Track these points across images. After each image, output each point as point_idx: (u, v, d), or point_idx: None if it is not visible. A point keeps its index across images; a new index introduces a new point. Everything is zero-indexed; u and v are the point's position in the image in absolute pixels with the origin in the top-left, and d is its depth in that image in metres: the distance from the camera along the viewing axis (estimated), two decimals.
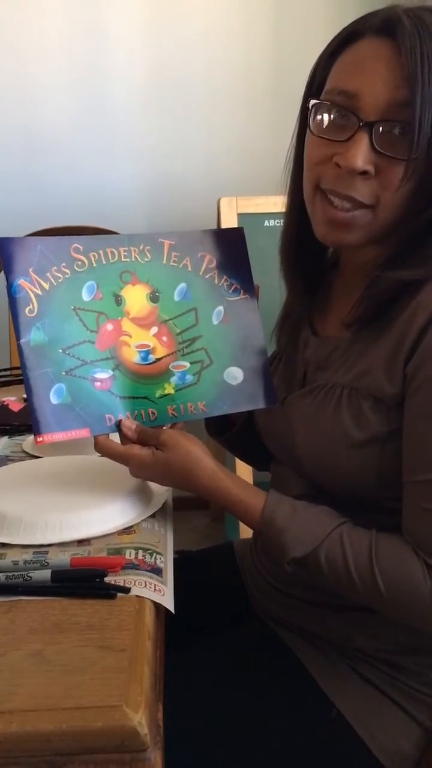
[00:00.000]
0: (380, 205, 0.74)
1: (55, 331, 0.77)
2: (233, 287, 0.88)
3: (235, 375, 0.87)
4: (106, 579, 0.66)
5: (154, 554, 0.73)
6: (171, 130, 2.30)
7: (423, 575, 0.70)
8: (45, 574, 0.66)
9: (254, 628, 0.91)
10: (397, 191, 0.73)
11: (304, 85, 0.82)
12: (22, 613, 0.62)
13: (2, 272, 0.77)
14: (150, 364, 0.83)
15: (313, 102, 0.77)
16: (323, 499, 0.79)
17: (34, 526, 0.75)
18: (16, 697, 0.50)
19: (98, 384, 0.79)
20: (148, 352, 0.83)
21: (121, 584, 0.65)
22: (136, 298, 0.83)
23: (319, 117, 0.76)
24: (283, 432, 0.86)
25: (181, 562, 0.97)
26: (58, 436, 0.76)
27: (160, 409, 0.83)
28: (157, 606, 0.65)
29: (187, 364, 0.85)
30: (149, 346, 0.83)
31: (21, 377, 0.78)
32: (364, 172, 0.73)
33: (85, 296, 0.80)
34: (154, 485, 0.88)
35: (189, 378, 0.85)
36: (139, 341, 0.83)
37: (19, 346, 0.76)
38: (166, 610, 0.67)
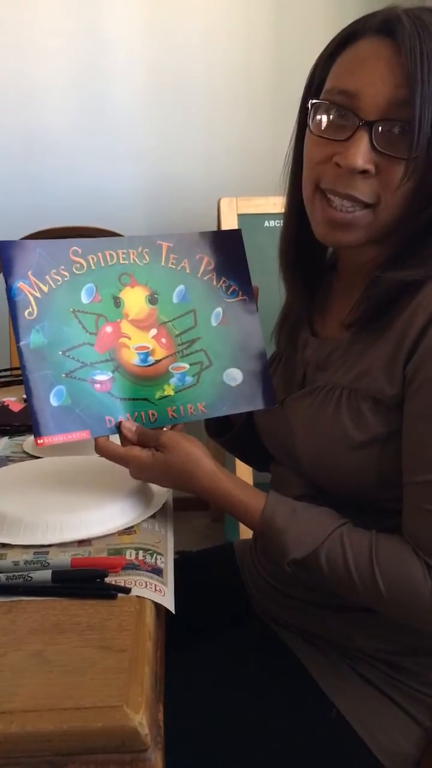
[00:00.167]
0: (380, 204, 0.75)
1: (54, 334, 0.78)
2: (231, 289, 0.88)
3: (234, 376, 0.87)
4: (107, 579, 0.66)
5: (155, 555, 0.73)
6: (171, 131, 2.30)
7: (423, 576, 0.70)
8: (45, 575, 0.66)
9: (254, 628, 0.92)
10: (397, 190, 0.73)
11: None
12: (22, 614, 0.62)
13: (1, 275, 0.78)
14: (149, 365, 0.83)
15: (312, 102, 0.77)
16: (323, 499, 0.79)
17: (34, 526, 0.75)
18: (16, 698, 0.51)
19: (98, 386, 0.80)
20: (147, 354, 0.83)
21: (122, 585, 0.66)
22: (135, 300, 0.83)
23: (318, 117, 0.76)
24: (282, 433, 0.86)
25: (182, 562, 0.97)
26: (59, 438, 0.76)
27: (159, 411, 0.83)
28: (158, 606, 0.66)
29: (187, 366, 0.85)
30: (148, 347, 0.83)
31: (21, 378, 0.78)
32: (364, 171, 0.73)
33: (84, 298, 0.80)
34: (154, 485, 0.88)
35: (188, 379, 0.85)
36: (139, 343, 0.83)
37: (18, 349, 0.76)
38: (167, 610, 0.67)
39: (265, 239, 1.26)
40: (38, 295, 0.77)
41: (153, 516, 0.82)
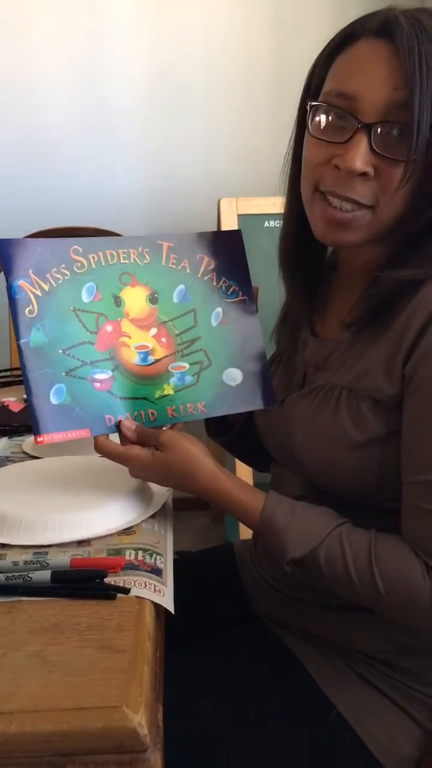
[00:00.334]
0: (379, 206, 0.75)
1: (54, 332, 0.78)
2: (231, 289, 0.88)
3: (234, 376, 0.87)
4: (106, 579, 0.66)
5: (154, 555, 0.73)
6: (171, 131, 2.30)
7: (422, 576, 0.70)
8: (45, 575, 0.66)
9: (254, 628, 0.91)
10: (397, 192, 0.73)
11: None
12: (22, 614, 0.62)
13: (2, 273, 0.78)
14: (149, 365, 0.83)
15: (311, 104, 0.77)
16: (323, 500, 0.79)
17: (34, 526, 0.75)
18: (16, 698, 0.51)
19: (98, 385, 0.80)
20: (147, 353, 0.83)
21: (121, 585, 0.65)
22: (135, 299, 0.83)
23: (317, 119, 0.76)
24: (282, 433, 0.86)
25: (181, 562, 0.97)
26: (58, 437, 0.76)
27: (159, 410, 0.83)
28: (157, 606, 0.66)
29: (187, 365, 0.85)
30: (148, 347, 0.83)
31: (21, 377, 0.78)
32: (364, 174, 0.73)
33: (85, 297, 0.80)
34: (154, 486, 0.88)
35: (188, 379, 0.85)
36: (139, 342, 0.83)
37: (19, 347, 0.76)
38: (166, 610, 0.67)
39: (265, 239, 1.26)
40: (39, 293, 0.77)
41: (153, 516, 0.82)
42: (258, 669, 0.84)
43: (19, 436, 1.13)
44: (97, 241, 0.82)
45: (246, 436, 0.98)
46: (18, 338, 0.76)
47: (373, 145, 0.72)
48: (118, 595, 0.64)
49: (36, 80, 2.23)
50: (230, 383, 0.87)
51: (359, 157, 0.72)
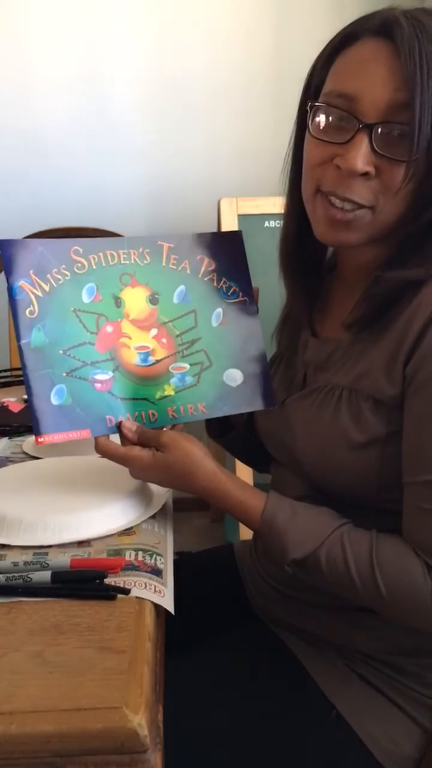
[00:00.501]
0: (380, 206, 0.75)
1: (55, 333, 0.78)
2: (232, 290, 0.88)
3: (234, 377, 0.87)
4: (106, 580, 0.66)
5: (154, 555, 0.73)
6: (171, 132, 2.30)
7: (423, 576, 0.70)
8: (45, 576, 0.66)
9: (254, 629, 0.91)
10: (398, 193, 0.73)
11: None
12: (22, 615, 0.62)
13: (2, 273, 0.78)
14: (150, 365, 0.83)
15: (311, 104, 0.77)
16: (323, 500, 0.79)
17: (34, 527, 0.75)
18: (16, 699, 0.51)
19: (98, 385, 0.80)
20: (147, 354, 0.83)
21: (121, 585, 0.65)
22: (135, 300, 0.83)
23: (318, 119, 0.76)
24: (283, 434, 0.86)
25: (181, 563, 0.97)
26: (59, 437, 0.76)
27: (160, 411, 0.83)
28: (157, 607, 0.66)
29: (187, 366, 0.85)
30: (149, 347, 0.83)
31: (21, 378, 0.78)
32: (365, 174, 0.73)
33: (85, 298, 0.80)
34: (154, 486, 0.88)
35: (189, 379, 0.85)
36: (139, 343, 0.83)
37: (19, 348, 0.76)
38: (166, 611, 0.67)
39: (265, 239, 1.26)
40: (39, 293, 0.77)
41: (153, 516, 0.82)
42: (258, 669, 0.84)
43: (19, 436, 1.13)
44: (97, 242, 0.82)
45: (246, 437, 0.98)
46: (19, 339, 0.76)
47: (374, 145, 0.72)
48: (118, 595, 0.64)
49: (37, 81, 2.24)
50: (231, 384, 0.87)
51: (360, 157, 0.72)
